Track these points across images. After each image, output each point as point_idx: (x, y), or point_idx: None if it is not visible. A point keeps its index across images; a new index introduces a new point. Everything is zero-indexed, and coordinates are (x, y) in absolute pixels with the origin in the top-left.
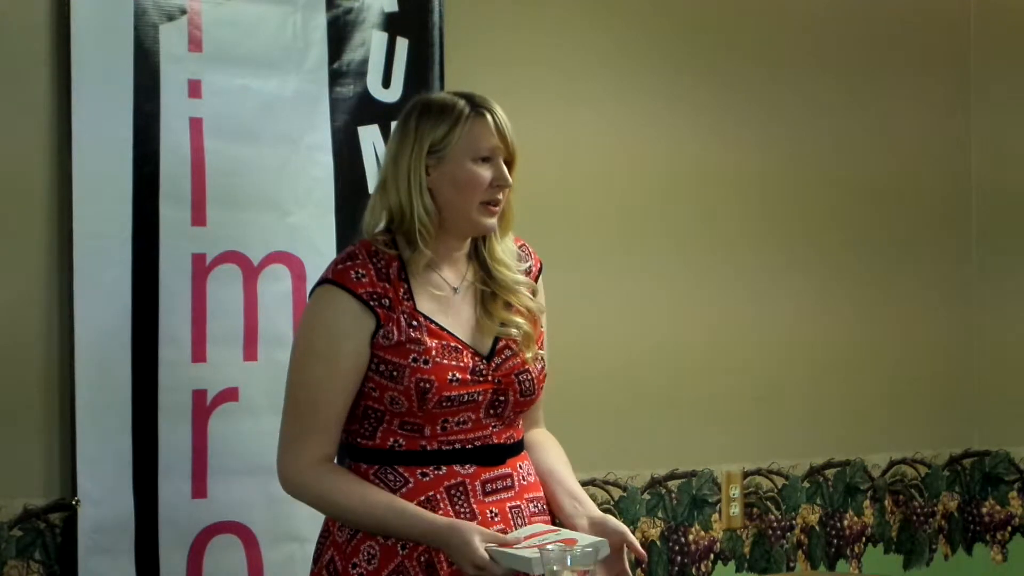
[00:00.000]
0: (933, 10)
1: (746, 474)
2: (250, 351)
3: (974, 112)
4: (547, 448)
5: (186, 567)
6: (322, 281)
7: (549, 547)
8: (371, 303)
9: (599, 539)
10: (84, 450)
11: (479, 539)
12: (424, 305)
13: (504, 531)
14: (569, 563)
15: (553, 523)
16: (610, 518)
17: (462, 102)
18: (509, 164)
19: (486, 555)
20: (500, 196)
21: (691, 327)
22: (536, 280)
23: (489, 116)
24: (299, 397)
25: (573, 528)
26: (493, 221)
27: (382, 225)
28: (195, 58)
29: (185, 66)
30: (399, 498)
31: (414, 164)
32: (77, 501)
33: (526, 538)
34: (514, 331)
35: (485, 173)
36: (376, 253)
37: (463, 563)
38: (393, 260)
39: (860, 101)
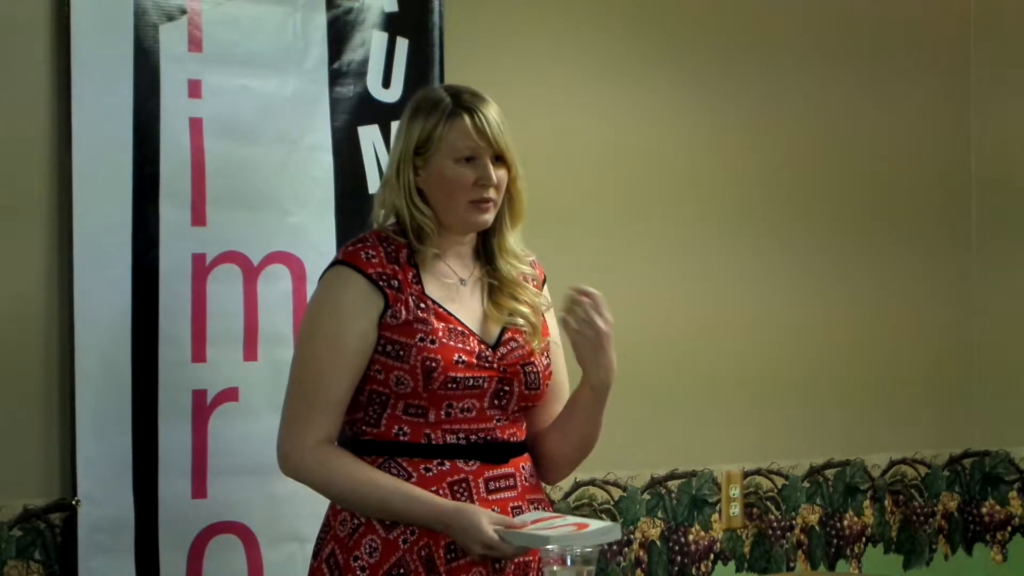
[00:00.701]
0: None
1: (746, 474)
2: (250, 351)
3: (974, 103)
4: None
5: (186, 567)
6: (333, 263)
7: (549, 547)
8: (380, 283)
9: (609, 523)
10: (84, 450)
11: (487, 520)
12: (433, 291)
13: None
14: (569, 563)
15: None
16: None
17: (446, 100)
18: (501, 160)
19: (495, 535)
20: (488, 194)
21: (690, 326)
22: (541, 289)
23: (467, 117)
24: (304, 375)
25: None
26: (486, 217)
27: (392, 220)
28: (195, 58)
29: (185, 66)
30: (404, 481)
31: (404, 166)
32: (77, 501)
33: (532, 522)
34: (520, 321)
35: (468, 173)
36: (387, 239)
37: (471, 544)
38: (403, 247)
39: (859, 90)
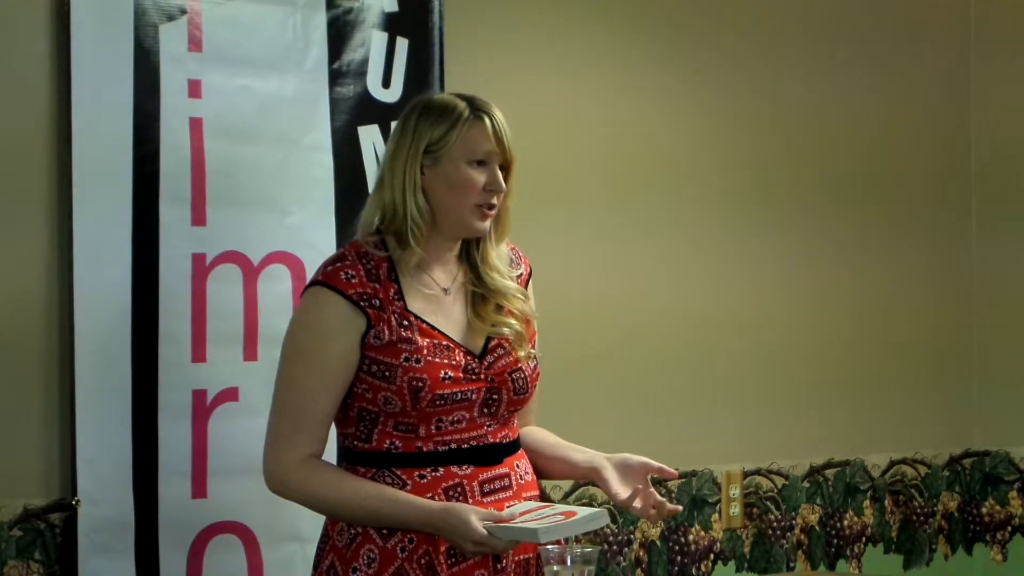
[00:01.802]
0: None
1: (746, 474)
2: (250, 351)
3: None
4: (541, 432)
5: (186, 567)
6: (312, 283)
7: (549, 547)
8: (361, 303)
9: (597, 510)
10: (84, 450)
11: (476, 517)
12: (415, 305)
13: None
14: (569, 563)
15: (549, 500)
16: (629, 455)
17: (463, 104)
18: (506, 169)
19: (484, 531)
20: (494, 200)
21: (689, 326)
22: (527, 285)
23: (488, 120)
24: (287, 396)
25: (597, 474)
26: (486, 224)
27: (376, 222)
28: (195, 58)
29: (185, 66)
30: (389, 487)
31: (410, 162)
32: (77, 501)
33: (521, 514)
34: (506, 330)
35: (479, 176)
36: (365, 255)
37: (462, 542)
38: (383, 261)
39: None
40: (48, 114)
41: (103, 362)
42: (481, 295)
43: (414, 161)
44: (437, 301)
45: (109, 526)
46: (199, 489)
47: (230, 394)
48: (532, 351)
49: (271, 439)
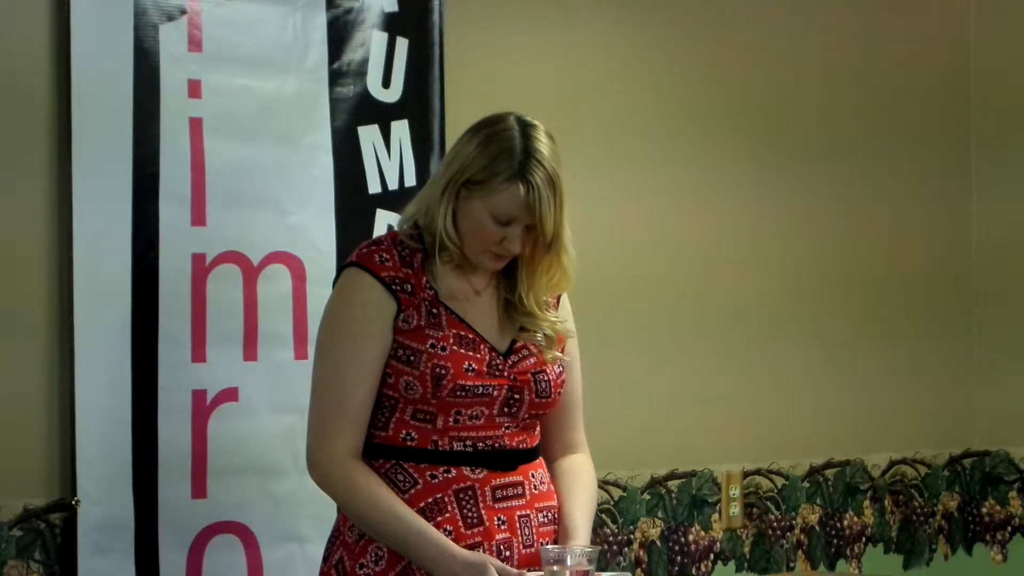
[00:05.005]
0: None
1: (746, 474)
2: (250, 351)
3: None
4: (574, 471)
5: (186, 567)
6: (347, 265)
7: (549, 547)
8: (393, 287)
9: (620, 573)
10: (84, 450)
11: (495, 571)
12: (446, 296)
13: (509, 540)
14: (569, 563)
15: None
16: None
17: (517, 157)
18: (540, 229)
19: None
20: (507, 254)
21: (689, 326)
22: (557, 306)
23: (523, 188)
24: (328, 380)
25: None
26: (496, 266)
27: (415, 217)
28: (195, 58)
29: (185, 66)
30: (423, 519)
31: (452, 183)
32: (77, 501)
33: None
34: (537, 334)
35: (497, 233)
36: (401, 243)
37: None
38: (418, 251)
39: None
40: (48, 115)
41: (103, 362)
42: (515, 303)
43: (456, 183)
44: (468, 296)
45: (109, 526)
46: (199, 489)
47: (230, 394)
48: (559, 355)
49: (317, 426)
